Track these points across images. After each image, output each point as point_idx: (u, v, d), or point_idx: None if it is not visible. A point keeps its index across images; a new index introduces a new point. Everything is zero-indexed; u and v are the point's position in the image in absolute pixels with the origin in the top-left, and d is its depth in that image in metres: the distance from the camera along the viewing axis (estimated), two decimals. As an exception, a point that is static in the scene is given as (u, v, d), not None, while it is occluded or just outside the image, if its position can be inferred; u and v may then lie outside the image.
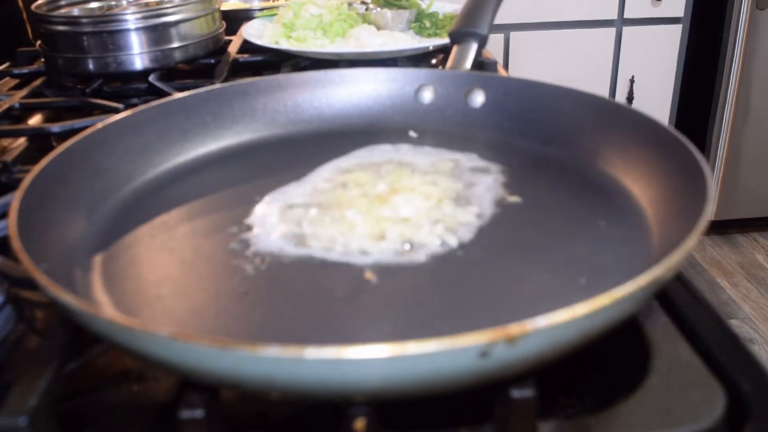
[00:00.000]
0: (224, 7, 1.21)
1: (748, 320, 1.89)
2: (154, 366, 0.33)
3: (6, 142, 0.70)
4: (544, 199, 0.49)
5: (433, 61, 0.93)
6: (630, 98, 2.04)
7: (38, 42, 0.90)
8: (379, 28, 0.95)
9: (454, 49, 0.70)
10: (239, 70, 0.92)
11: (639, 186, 0.48)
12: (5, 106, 0.76)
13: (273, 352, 0.26)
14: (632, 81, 2.02)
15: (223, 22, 0.98)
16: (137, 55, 0.85)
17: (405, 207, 0.48)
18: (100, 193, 0.50)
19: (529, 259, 0.43)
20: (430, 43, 0.90)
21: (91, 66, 0.85)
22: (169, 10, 0.86)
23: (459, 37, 0.70)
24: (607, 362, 0.38)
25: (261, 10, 1.16)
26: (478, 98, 0.61)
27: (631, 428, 0.31)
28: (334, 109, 0.64)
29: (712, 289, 2.02)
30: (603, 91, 2.03)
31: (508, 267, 0.42)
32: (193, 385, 0.31)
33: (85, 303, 0.31)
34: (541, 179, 0.52)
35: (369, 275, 0.41)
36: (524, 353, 0.28)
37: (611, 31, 1.97)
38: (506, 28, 1.95)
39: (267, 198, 0.51)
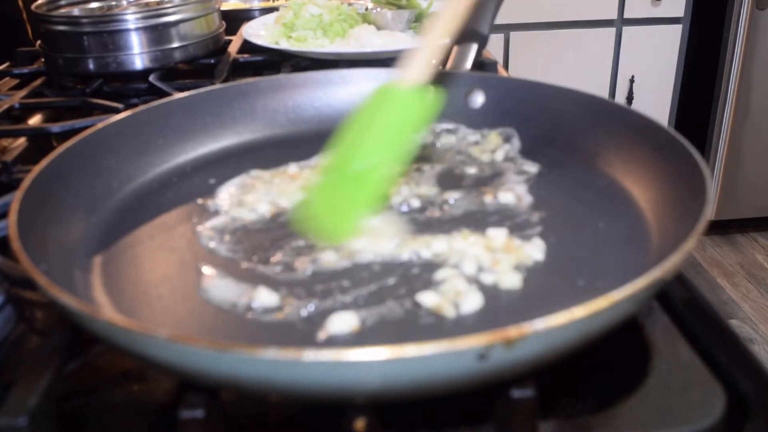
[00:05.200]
0: (224, 7, 1.21)
1: (748, 320, 1.89)
2: (154, 367, 0.33)
3: (6, 142, 0.70)
4: (544, 200, 0.49)
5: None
6: (630, 98, 2.03)
7: (38, 42, 0.90)
8: (379, 28, 0.95)
9: (454, 49, 0.70)
10: (239, 70, 0.92)
11: (639, 187, 0.48)
12: (5, 106, 0.76)
13: (271, 354, 0.26)
14: (632, 81, 2.02)
15: (223, 22, 0.98)
16: (137, 55, 0.85)
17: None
18: (100, 194, 0.50)
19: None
20: (430, 43, 0.90)
21: (91, 66, 0.85)
22: (169, 10, 0.86)
23: (459, 37, 0.70)
24: (607, 362, 0.38)
25: (261, 10, 1.16)
26: (478, 99, 0.61)
27: (631, 428, 0.31)
28: (334, 109, 0.64)
29: (712, 289, 2.02)
30: (603, 91, 2.03)
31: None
32: (193, 385, 0.31)
33: (84, 304, 0.31)
34: (540, 180, 0.52)
35: (371, 272, 0.41)
36: (523, 356, 0.28)
37: (611, 31, 1.97)
38: (506, 28, 1.94)
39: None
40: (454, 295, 0.38)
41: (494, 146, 0.57)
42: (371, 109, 0.47)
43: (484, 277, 0.40)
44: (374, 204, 0.45)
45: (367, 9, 1.00)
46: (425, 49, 0.48)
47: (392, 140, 0.46)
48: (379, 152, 0.45)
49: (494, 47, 1.93)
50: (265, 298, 0.39)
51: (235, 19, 1.08)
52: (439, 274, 0.41)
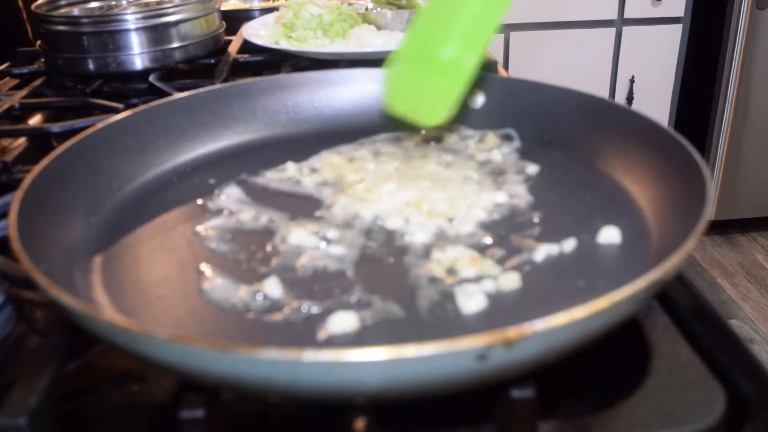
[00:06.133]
0: (224, 7, 1.21)
1: (748, 320, 1.89)
2: (154, 367, 0.33)
3: (6, 142, 0.70)
4: (544, 200, 0.49)
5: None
6: (630, 98, 2.03)
7: (38, 42, 0.90)
8: (379, 28, 0.95)
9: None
10: (239, 70, 0.92)
11: (638, 187, 0.48)
12: (5, 106, 0.76)
13: (271, 354, 0.26)
14: (632, 81, 2.02)
15: (223, 22, 0.98)
16: (137, 55, 0.85)
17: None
18: (100, 194, 0.50)
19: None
20: (430, 43, 0.90)
21: (91, 66, 0.85)
22: (169, 10, 0.86)
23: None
24: (607, 362, 0.38)
25: (261, 10, 1.16)
26: (478, 99, 0.61)
27: (631, 428, 0.31)
28: (334, 109, 0.64)
29: (712, 289, 2.02)
30: (603, 91, 2.03)
31: (508, 267, 0.42)
32: (193, 385, 0.31)
33: (83, 304, 0.31)
34: (540, 180, 0.52)
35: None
36: (523, 356, 0.28)
37: (611, 31, 1.97)
38: (506, 28, 1.95)
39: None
40: (454, 296, 0.38)
41: (493, 146, 0.57)
42: None
43: (483, 279, 0.40)
44: (463, 90, 0.48)
45: (367, 9, 1.00)
46: None
47: (475, 26, 0.48)
48: (465, 37, 0.48)
49: (494, 47, 1.93)
50: (273, 289, 0.39)
51: (235, 19, 1.08)
52: (440, 273, 0.41)
